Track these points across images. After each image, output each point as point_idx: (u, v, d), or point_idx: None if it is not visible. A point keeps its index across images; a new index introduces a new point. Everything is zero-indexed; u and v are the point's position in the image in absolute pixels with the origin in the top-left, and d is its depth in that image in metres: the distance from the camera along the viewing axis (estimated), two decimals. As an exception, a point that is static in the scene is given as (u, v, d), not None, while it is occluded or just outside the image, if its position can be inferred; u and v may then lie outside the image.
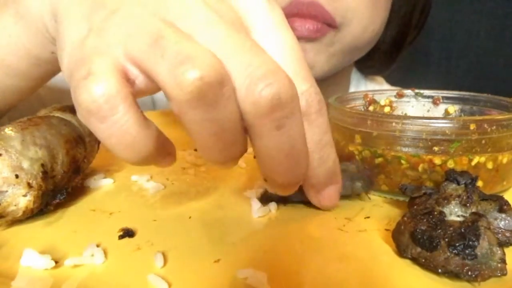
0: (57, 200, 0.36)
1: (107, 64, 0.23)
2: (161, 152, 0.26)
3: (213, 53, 0.22)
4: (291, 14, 0.62)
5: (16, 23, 0.38)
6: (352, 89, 0.85)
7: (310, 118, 0.26)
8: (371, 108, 0.48)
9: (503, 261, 0.26)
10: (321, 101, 0.26)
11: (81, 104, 0.23)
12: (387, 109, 0.48)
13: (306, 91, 0.25)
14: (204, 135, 0.24)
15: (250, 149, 0.57)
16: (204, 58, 0.22)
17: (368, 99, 0.48)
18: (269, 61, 0.23)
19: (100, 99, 0.22)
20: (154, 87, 0.24)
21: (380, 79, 0.93)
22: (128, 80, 0.24)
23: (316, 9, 0.61)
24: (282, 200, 0.37)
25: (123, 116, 0.23)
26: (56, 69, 0.42)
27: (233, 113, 0.23)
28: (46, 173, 0.34)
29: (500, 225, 0.30)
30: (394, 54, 0.83)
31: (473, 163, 0.36)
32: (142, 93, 0.25)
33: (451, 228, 0.28)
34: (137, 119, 0.23)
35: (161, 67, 0.22)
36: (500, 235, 0.29)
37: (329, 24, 0.63)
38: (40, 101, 0.61)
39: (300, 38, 0.64)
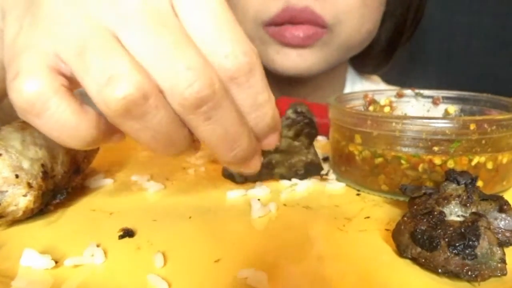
0: (57, 200, 0.36)
1: (35, 61, 0.24)
2: (107, 133, 0.26)
3: (137, 65, 0.23)
4: (283, 21, 0.63)
5: None
6: (348, 87, 0.85)
7: (239, 81, 0.25)
8: (371, 108, 0.48)
9: (503, 261, 0.26)
10: (250, 62, 0.25)
11: (15, 104, 0.24)
12: (387, 109, 0.48)
13: (231, 53, 0.25)
14: (143, 139, 0.25)
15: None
16: (127, 75, 0.23)
17: (368, 99, 0.48)
18: (191, 59, 0.24)
19: (30, 97, 0.23)
20: None
21: (376, 77, 0.93)
22: (64, 75, 0.24)
23: (308, 14, 0.63)
24: (243, 177, 0.41)
25: (57, 109, 0.24)
26: None
27: (165, 117, 0.24)
28: (46, 173, 0.34)
29: (500, 225, 0.30)
30: (389, 53, 0.84)
31: (473, 163, 0.36)
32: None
33: (451, 228, 0.28)
34: (73, 109, 0.24)
35: (87, 83, 0.23)
36: (500, 235, 0.29)
37: (321, 26, 0.64)
38: None
39: (295, 46, 0.65)
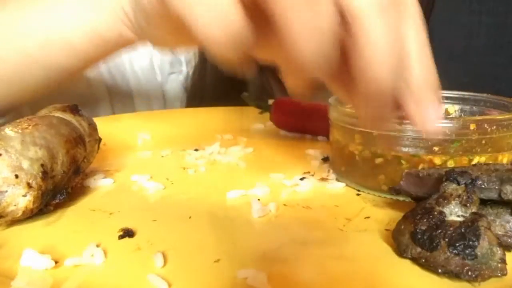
0: (57, 200, 0.36)
1: None
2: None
3: None
4: None
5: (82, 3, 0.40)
6: None
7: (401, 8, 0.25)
8: (371, 108, 0.48)
9: (503, 261, 0.26)
10: None
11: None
12: (387, 109, 0.48)
13: None
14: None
15: (250, 149, 0.56)
16: None
17: (368, 99, 0.48)
18: None
19: None
20: None
21: None
22: None
23: None
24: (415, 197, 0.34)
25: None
26: (113, 51, 0.43)
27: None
28: (46, 173, 0.34)
29: None
30: None
31: (473, 163, 0.36)
32: None
33: (451, 228, 0.28)
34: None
35: None
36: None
37: None
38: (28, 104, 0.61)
39: None
